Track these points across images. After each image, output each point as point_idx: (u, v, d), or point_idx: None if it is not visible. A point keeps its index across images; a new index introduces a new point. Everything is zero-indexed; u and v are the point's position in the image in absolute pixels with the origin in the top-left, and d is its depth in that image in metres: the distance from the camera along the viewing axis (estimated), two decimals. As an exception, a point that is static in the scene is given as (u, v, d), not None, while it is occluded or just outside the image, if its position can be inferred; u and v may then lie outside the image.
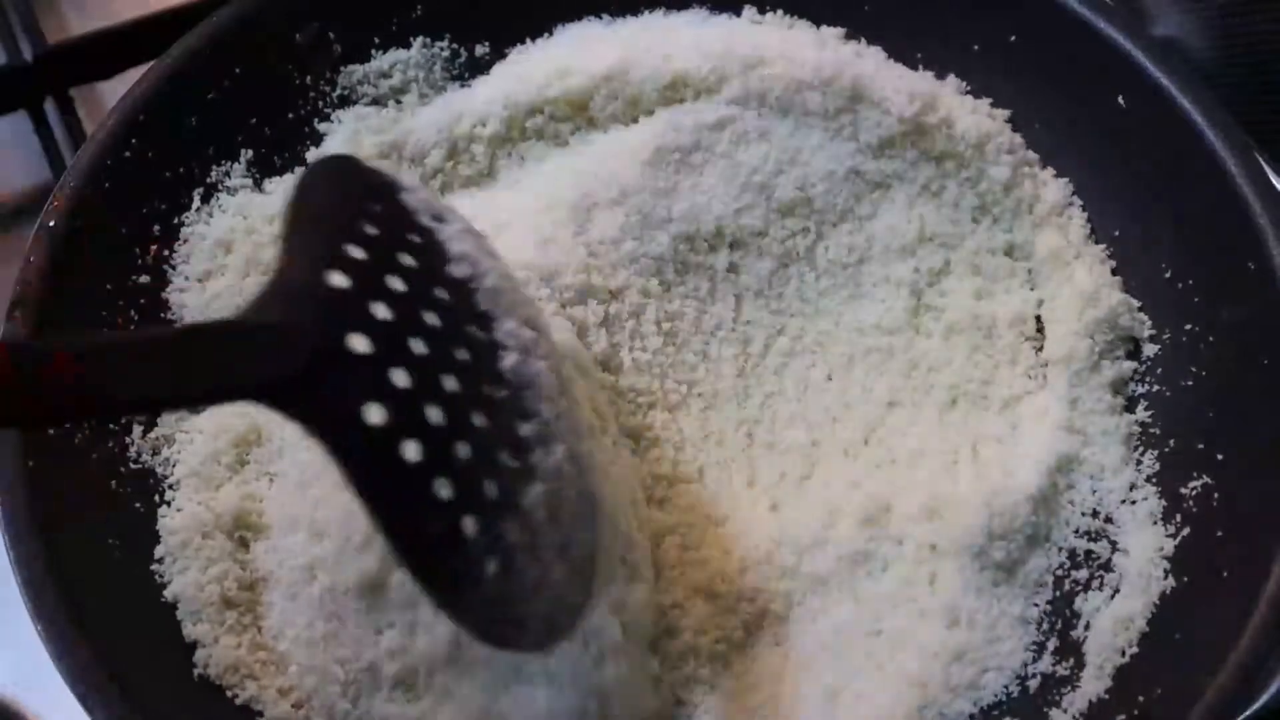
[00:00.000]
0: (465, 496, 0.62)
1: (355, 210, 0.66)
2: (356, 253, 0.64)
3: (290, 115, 0.96)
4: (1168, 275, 0.88)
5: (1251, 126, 1.01)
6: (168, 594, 0.77)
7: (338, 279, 0.62)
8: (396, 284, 0.64)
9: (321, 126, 0.97)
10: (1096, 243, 0.93)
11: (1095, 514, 0.85)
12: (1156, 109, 0.88)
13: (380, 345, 0.61)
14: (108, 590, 0.75)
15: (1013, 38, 0.96)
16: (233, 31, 0.92)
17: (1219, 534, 0.78)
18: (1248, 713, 0.77)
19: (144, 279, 0.86)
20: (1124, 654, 0.77)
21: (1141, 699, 0.73)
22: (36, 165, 1.09)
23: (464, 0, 1.00)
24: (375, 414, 0.59)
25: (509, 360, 0.66)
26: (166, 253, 0.88)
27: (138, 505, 0.80)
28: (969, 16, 0.97)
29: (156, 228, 0.88)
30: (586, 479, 0.69)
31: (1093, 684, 0.77)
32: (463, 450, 0.62)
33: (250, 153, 0.93)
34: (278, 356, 0.59)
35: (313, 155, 0.95)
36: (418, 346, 0.62)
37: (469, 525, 0.62)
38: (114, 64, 1.12)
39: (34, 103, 1.11)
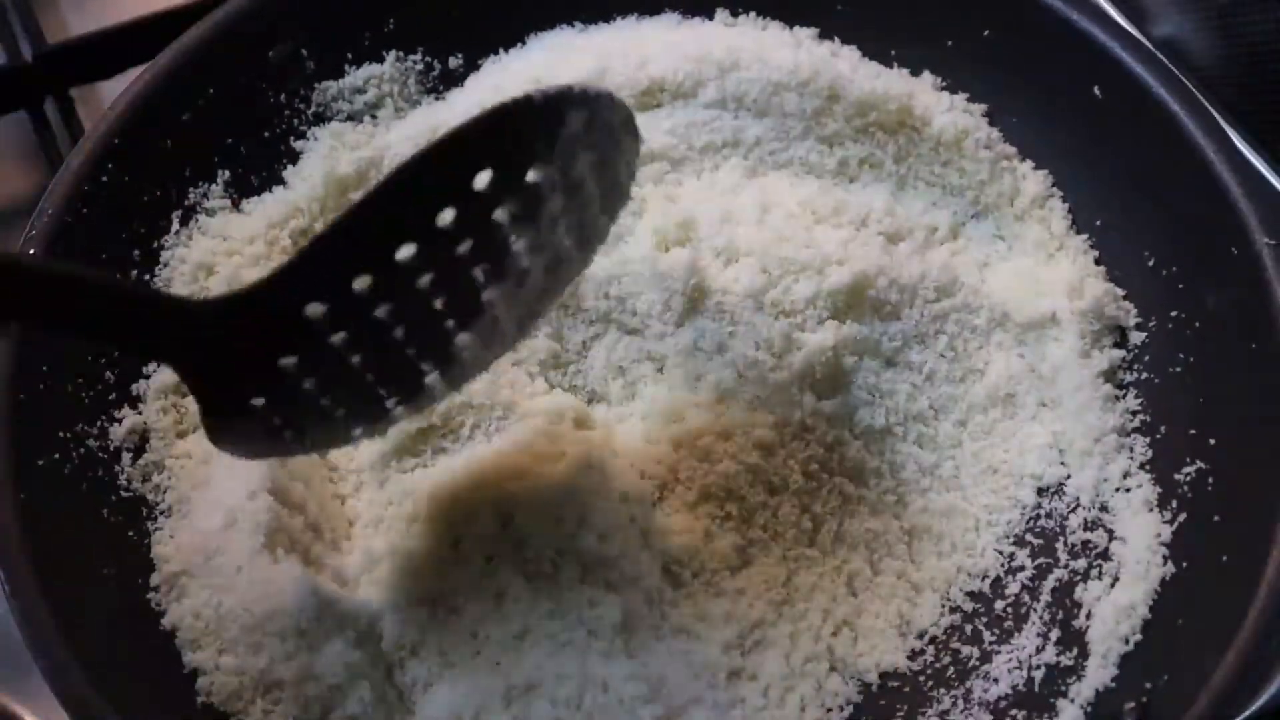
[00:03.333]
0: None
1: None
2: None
3: (266, 134, 0.95)
4: (1151, 263, 0.88)
5: (1251, 126, 1.02)
6: (165, 622, 0.77)
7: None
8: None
9: (298, 144, 0.96)
10: (1079, 233, 0.93)
11: (1090, 503, 0.85)
12: (1133, 99, 0.89)
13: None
14: (105, 620, 0.74)
15: (986, 32, 0.96)
16: (204, 52, 0.91)
17: (1216, 519, 0.78)
18: (1248, 712, 0.77)
19: (126, 305, 0.85)
20: (1127, 642, 0.78)
21: (1148, 685, 0.74)
22: (36, 165, 1.08)
23: (436, 13, 1.00)
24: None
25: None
26: (147, 278, 0.87)
27: (130, 533, 0.79)
28: (942, 13, 0.97)
29: (136, 253, 0.87)
30: None
31: (1098, 673, 0.77)
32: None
33: (227, 173, 0.92)
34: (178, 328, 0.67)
35: (290, 173, 0.95)
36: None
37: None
38: (114, 64, 1.11)
39: (34, 103, 1.11)
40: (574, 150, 0.69)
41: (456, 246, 0.68)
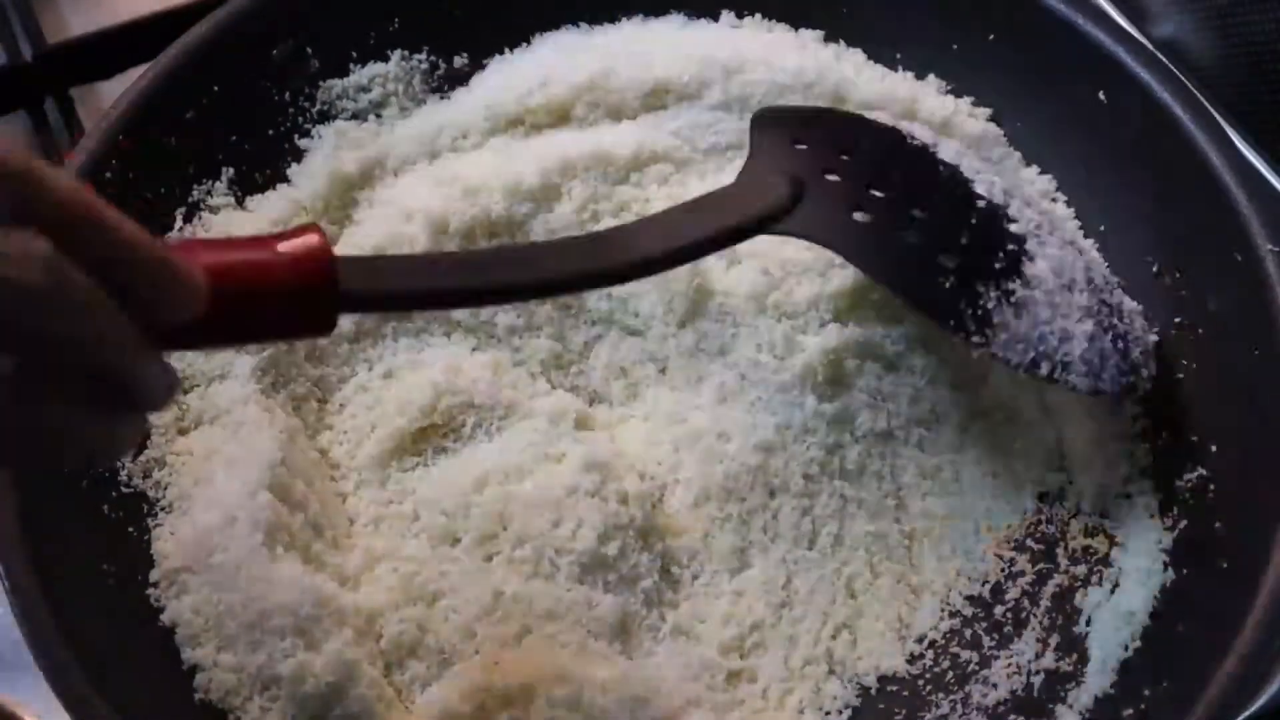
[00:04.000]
0: (973, 265, 0.81)
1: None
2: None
3: (270, 132, 0.95)
4: (1155, 268, 0.88)
5: (1251, 126, 1.02)
6: (164, 618, 0.77)
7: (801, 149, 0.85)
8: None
9: (302, 142, 0.96)
10: (1083, 238, 0.93)
11: (1091, 509, 0.85)
12: (1137, 103, 0.89)
13: (850, 181, 0.84)
14: (104, 616, 0.74)
15: (991, 36, 0.96)
16: (208, 50, 0.91)
17: (1217, 525, 0.78)
18: (1248, 712, 0.77)
19: (129, 301, 0.85)
20: (1127, 648, 0.78)
21: (1147, 692, 0.74)
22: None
23: (442, 12, 1.00)
24: (860, 216, 0.83)
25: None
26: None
27: (131, 529, 0.80)
28: (947, 17, 0.97)
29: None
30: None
31: (1097, 679, 0.77)
32: (964, 236, 0.82)
33: (231, 171, 0.92)
34: (770, 197, 0.81)
35: (294, 171, 0.95)
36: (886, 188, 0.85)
37: (979, 285, 0.80)
38: (114, 64, 1.12)
39: (34, 103, 1.11)
40: None
41: None
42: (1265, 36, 1.06)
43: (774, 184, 0.82)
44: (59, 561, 0.73)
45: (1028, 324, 0.79)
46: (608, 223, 0.91)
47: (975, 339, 0.80)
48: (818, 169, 0.84)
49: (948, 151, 0.87)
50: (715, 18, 1.02)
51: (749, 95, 0.95)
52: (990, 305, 0.79)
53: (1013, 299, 0.79)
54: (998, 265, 0.81)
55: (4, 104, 1.11)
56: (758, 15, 1.02)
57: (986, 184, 0.85)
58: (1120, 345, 0.81)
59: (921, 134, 0.88)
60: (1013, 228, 0.83)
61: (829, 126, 0.89)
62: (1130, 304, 0.86)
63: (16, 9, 1.13)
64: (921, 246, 0.83)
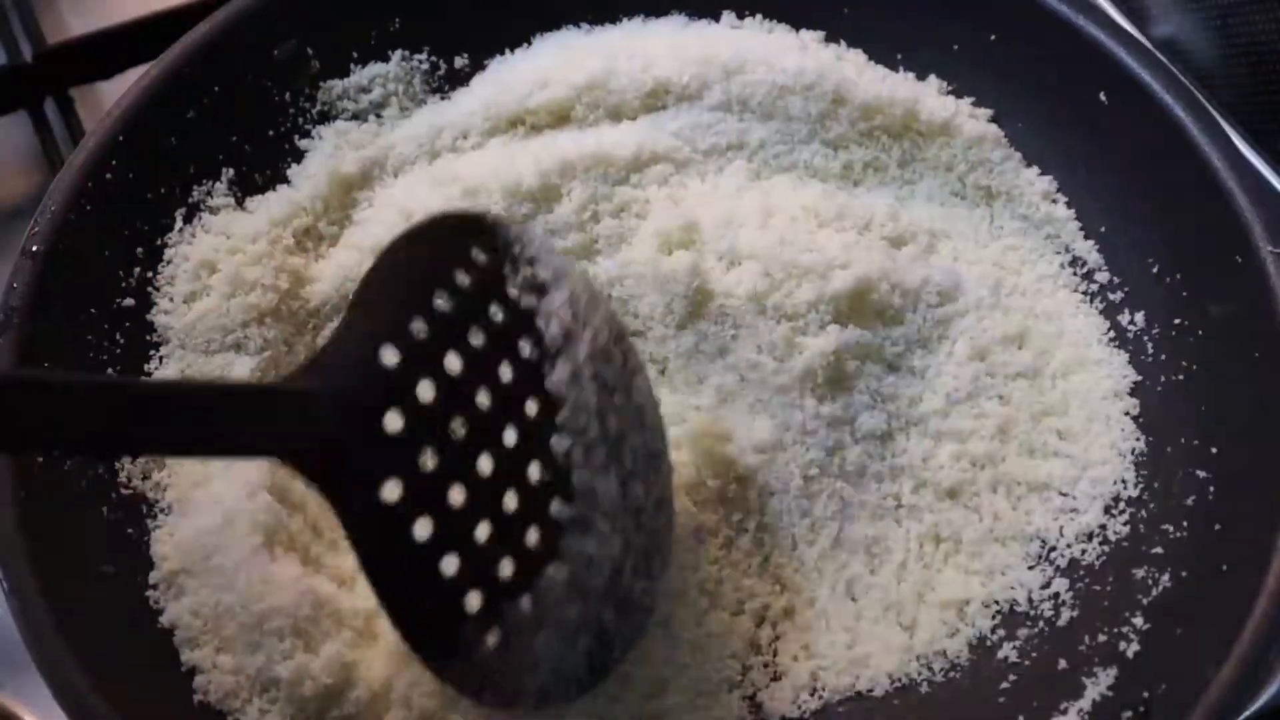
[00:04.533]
0: (474, 574, 0.66)
1: (438, 278, 0.68)
2: (420, 327, 0.67)
3: (270, 132, 0.95)
4: (1155, 270, 0.88)
5: (1251, 126, 1.02)
6: (164, 620, 0.77)
7: (389, 356, 0.66)
8: (454, 363, 0.67)
9: (302, 143, 0.97)
10: (1084, 240, 0.93)
11: (1089, 509, 0.85)
12: (1138, 105, 0.89)
13: (414, 426, 0.65)
14: (103, 618, 0.74)
15: (993, 37, 0.96)
16: (209, 50, 0.92)
17: (1217, 528, 0.78)
18: (1248, 712, 0.77)
19: (128, 302, 0.85)
20: (1126, 650, 0.77)
21: (1146, 695, 0.73)
22: (36, 165, 1.08)
23: (442, 13, 1.00)
24: (392, 491, 0.64)
25: (564, 445, 0.67)
26: (150, 275, 0.87)
27: (129, 531, 0.79)
28: (949, 17, 0.97)
29: (139, 250, 0.87)
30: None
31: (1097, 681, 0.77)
32: (482, 531, 0.66)
33: (231, 171, 0.93)
34: (309, 424, 0.63)
35: (294, 172, 0.95)
36: (459, 428, 0.66)
37: (472, 601, 0.65)
38: (114, 64, 1.12)
39: (34, 103, 1.12)
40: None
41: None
42: (1265, 36, 1.06)
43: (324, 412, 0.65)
44: (58, 563, 0.72)
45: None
46: (608, 223, 0.91)
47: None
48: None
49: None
50: (716, 18, 1.02)
51: (749, 96, 0.95)
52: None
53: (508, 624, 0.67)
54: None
55: (4, 104, 1.12)
56: (758, 16, 1.02)
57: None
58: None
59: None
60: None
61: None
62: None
63: (16, 9, 1.14)
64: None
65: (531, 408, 0.68)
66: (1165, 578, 0.79)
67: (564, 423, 0.67)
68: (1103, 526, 0.84)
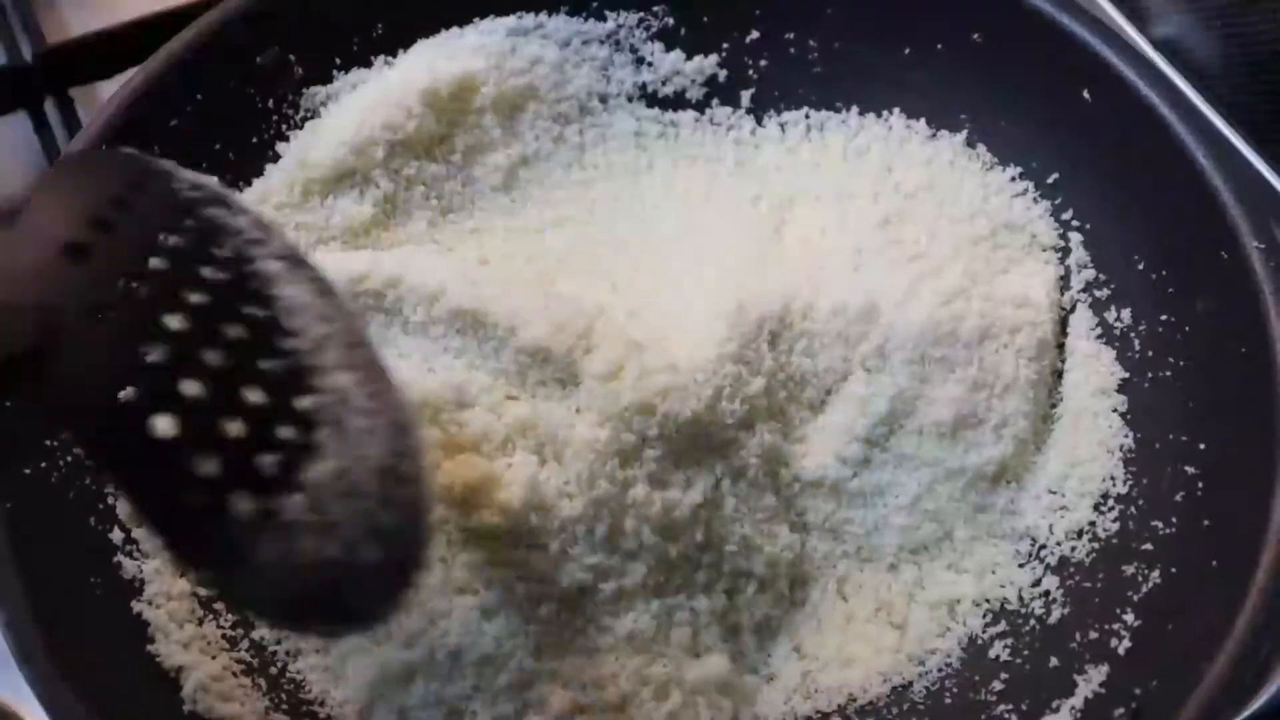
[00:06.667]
0: (236, 474, 0.59)
1: (120, 189, 0.63)
2: (112, 217, 0.61)
3: (254, 140, 0.95)
4: (1141, 267, 0.88)
5: (1251, 127, 1.02)
6: (151, 630, 0.77)
7: (87, 238, 0.59)
8: (156, 262, 0.61)
9: (285, 150, 0.96)
10: (1069, 237, 0.93)
11: (1076, 506, 0.85)
12: (1122, 102, 0.88)
13: (130, 321, 0.59)
14: (91, 629, 0.74)
15: (976, 36, 0.96)
16: (193, 57, 0.91)
17: (1206, 523, 0.78)
18: (1247, 712, 0.77)
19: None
20: (1117, 648, 0.77)
21: (1138, 692, 0.73)
22: (36, 165, 1.08)
23: (425, 17, 0.99)
24: (120, 391, 0.57)
25: (291, 339, 0.63)
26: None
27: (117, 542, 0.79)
28: (931, 16, 0.97)
29: (123, 259, 0.86)
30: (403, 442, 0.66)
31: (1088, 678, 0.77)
32: (233, 427, 0.60)
33: (215, 179, 0.92)
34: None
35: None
36: (175, 322, 0.60)
37: (240, 503, 0.59)
38: (114, 64, 1.12)
39: (34, 103, 1.12)
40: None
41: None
42: (1265, 36, 1.06)
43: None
44: (46, 575, 0.72)
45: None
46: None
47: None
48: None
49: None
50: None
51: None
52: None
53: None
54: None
55: (4, 104, 1.11)
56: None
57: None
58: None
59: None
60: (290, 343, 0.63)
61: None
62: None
63: (16, 9, 1.14)
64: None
65: (251, 309, 0.63)
66: (1155, 574, 0.79)
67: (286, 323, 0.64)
68: (1092, 523, 0.84)
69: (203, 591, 0.79)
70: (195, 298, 0.61)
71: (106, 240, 0.60)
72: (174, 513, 0.59)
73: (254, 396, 0.61)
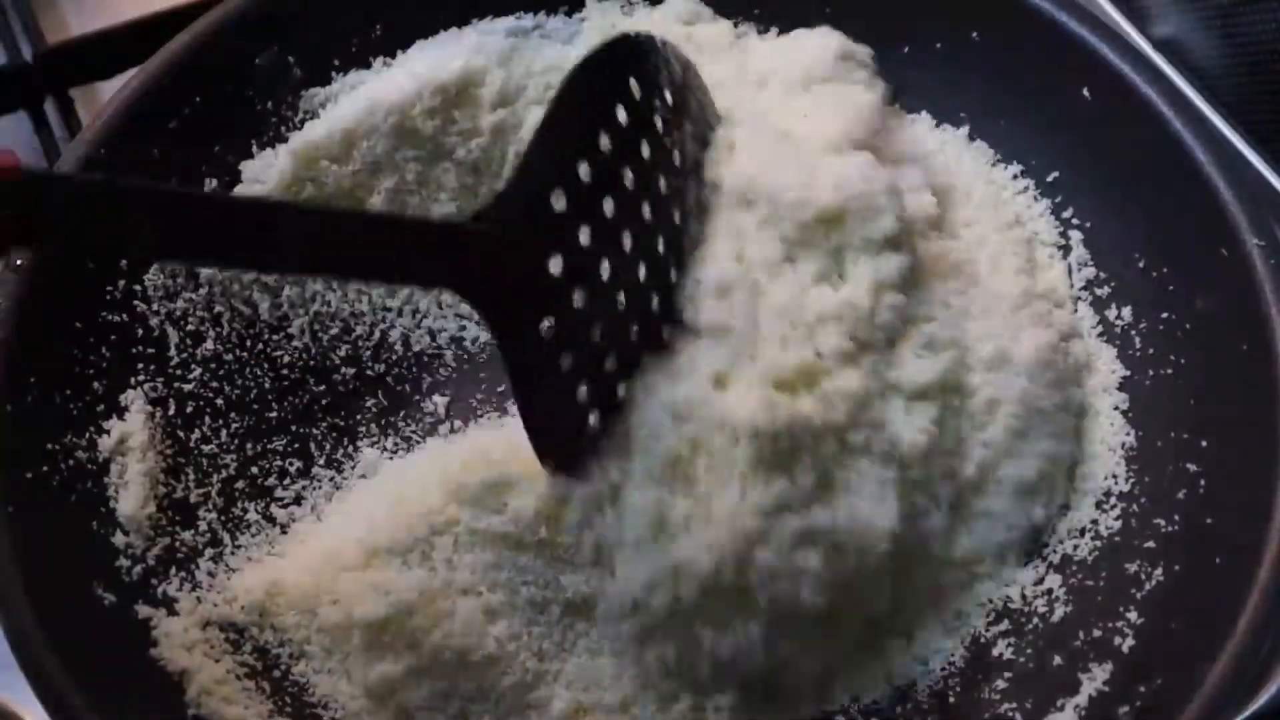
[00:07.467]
0: (597, 400, 0.77)
1: (603, 115, 0.77)
2: (585, 170, 0.75)
3: (253, 141, 0.95)
4: (1141, 265, 0.88)
5: (1251, 127, 1.02)
6: (155, 634, 0.76)
7: (559, 201, 0.73)
8: (608, 207, 0.76)
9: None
10: (1070, 235, 0.93)
11: (1079, 505, 0.85)
12: (1121, 100, 0.89)
13: (572, 269, 0.74)
14: (95, 632, 0.74)
15: (975, 34, 0.96)
16: (191, 59, 0.91)
17: (1209, 521, 0.78)
18: (1247, 713, 0.77)
19: (115, 317, 0.85)
20: (1121, 646, 0.77)
21: (1142, 689, 0.73)
22: (36, 165, 1.07)
23: (424, 18, 0.99)
24: (547, 328, 0.73)
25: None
26: (136, 287, 0.86)
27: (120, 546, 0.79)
28: (931, 15, 0.97)
29: (124, 261, 0.86)
30: None
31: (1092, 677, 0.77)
32: (609, 363, 0.77)
33: (214, 181, 0.92)
34: (487, 261, 0.70)
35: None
36: (605, 270, 0.76)
37: (592, 420, 0.77)
38: (114, 64, 1.12)
39: (34, 103, 1.12)
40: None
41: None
42: (1265, 36, 1.06)
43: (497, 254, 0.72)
44: (50, 579, 0.72)
45: None
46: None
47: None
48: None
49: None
50: None
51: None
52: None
53: None
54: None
55: (4, 104, 1.11)
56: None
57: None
58: None
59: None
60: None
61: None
62: None
63: (16, 9, 1.14)
64: None
65: (660, 245, 0.80)
66: (1158, 572, 0.79)
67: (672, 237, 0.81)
68: (1094, 521, 0.84)
69: (203, 592, 0.79)
70: (626, 242, 0.77)
71: (579, 192, 0.75)
72: (549, 432, 0.76)
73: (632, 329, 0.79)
